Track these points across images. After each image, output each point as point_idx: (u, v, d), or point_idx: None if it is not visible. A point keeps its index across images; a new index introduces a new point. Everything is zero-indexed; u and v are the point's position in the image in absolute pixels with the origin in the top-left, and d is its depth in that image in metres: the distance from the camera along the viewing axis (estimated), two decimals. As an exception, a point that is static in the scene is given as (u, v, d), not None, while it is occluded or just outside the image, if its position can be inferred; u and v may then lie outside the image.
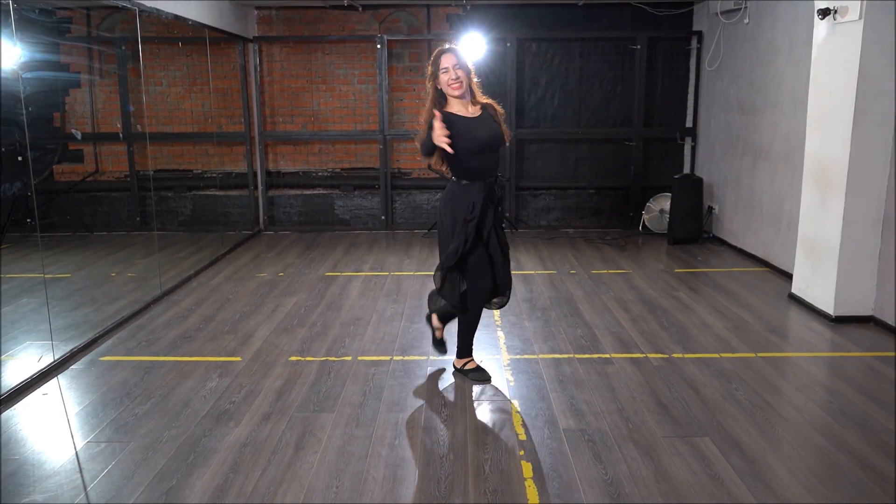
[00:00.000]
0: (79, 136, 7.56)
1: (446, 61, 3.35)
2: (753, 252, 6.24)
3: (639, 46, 7.42)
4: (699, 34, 7.38)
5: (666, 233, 7.18)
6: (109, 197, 7.76)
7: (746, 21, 6.28)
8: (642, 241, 7.20)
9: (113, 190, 7.73)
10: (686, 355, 3.97)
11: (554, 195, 7.84)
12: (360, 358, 3.98)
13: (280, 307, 4.97)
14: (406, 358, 3.98)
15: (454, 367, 3.75)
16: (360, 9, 7.47)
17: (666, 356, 3.96)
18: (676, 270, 5.92)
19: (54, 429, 3.18)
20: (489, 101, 3.52)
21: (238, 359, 3.98)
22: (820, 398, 3.43)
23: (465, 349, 3.69)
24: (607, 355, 3.98)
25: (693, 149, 7.64)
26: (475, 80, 3.48)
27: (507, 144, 3.59)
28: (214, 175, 7.80)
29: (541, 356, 3.98)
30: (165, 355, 4.05)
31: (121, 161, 7.72)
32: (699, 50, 7.42)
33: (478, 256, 3.42)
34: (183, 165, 7.88)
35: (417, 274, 5.83)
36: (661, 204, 7.32)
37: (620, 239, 7.20)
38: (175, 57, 7.49)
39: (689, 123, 7.65)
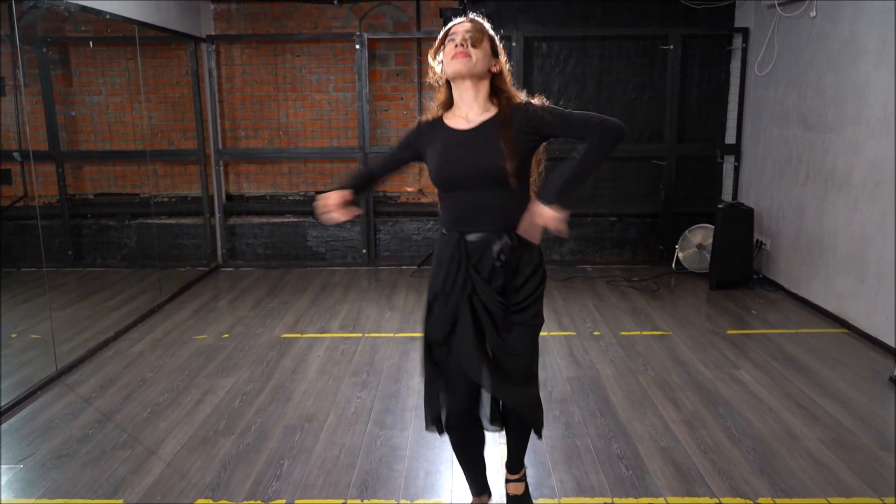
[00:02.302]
0: None
1: (457, 28, 2.12)
2: (822, 305, 4.95)
3: (671, 46, 6.14)
4: (745, 31, 6.09)
5: (705, 272, 5.90)
6: (42, 226, 6.53)
7: (813, 14, 5.00)
8: (676, 282, 5.93)
9: (44, 217, 6.49)
10: (778, 501, 2.69)
11: (568, 223, 6.55)
12: (297, 503, 2.72)
13: (210, 394, 3.71)
14: None
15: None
16: (336, 2, 6.22)
17: (750, 503, 2.69)
18: (729, 332, 4.64)
19: None
20: (528, 99, 2.18)
21: (119, 503, 2.73)
22: None
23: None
24: (662, 501, 2.70)
25: (736, 170, 6.35)
26: (505, 65, 2.17)
27: (531, 179, 2.25)
28: (165, 199, 6.56)
29: (563, 501, 2.71)
30: (14, 497, 2.79)
31: (51, 184, 6.50)
32: (744, 50, 6.14)
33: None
34: (128, 188, 6.64)
35: (398, 336, 4.57)
36: (699, 237, 6.03)
37: (650, 280, 5.93)
38: (99, 62, 6.26)
39: (730, 139, 6.36)
